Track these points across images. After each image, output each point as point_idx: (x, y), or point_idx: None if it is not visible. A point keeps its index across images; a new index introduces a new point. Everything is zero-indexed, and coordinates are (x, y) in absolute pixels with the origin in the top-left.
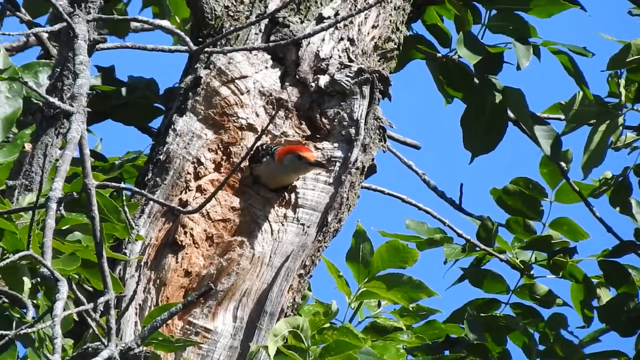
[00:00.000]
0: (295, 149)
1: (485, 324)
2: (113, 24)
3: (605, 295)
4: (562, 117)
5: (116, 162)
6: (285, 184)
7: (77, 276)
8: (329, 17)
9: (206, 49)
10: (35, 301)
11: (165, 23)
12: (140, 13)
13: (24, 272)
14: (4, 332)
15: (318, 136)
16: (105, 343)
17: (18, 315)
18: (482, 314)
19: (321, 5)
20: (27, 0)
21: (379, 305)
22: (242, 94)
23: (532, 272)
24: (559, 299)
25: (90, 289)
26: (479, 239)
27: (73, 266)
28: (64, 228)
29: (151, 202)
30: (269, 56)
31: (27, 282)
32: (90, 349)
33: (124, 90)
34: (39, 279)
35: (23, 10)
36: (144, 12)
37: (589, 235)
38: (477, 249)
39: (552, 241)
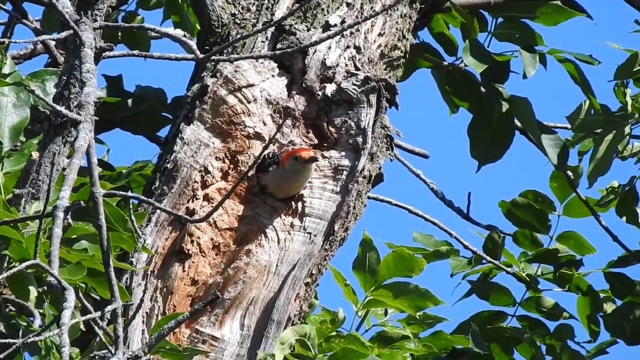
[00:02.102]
0: (293, 152)
1: (492, 336)
2: (131, 37)
3: (612, 309)
4: (570, 126)
5: (123, 171)
6: (292, 192)
7: (83, 285)
8: (335, 25)
9: (213, 57)
10: (41, 310)
11: (172, 31)
12: (161, 24)
13: (30, 280)
14: (11, 341)
15: (325, 145)
16: (113, 351)
17: (25, 324)
18: (488, 326)
19: (327, 13)
20: (45, 16)
21: (385, 313)
22: (249, 102)
23: (539, 285)
24: (565, 312)
25: (97, 297)
26: (486, 251)
27: (79, 275)
28: (70, 237)
29: (158, 211)
30: (276, 64)
31: (34, 291)
32: (97, 357)
33: (131, 102)
34: (45, 288)
35: (30, 17)
36: (164, 24)
37: (596, 250)
38: (484, 261)
39: (559, 254)
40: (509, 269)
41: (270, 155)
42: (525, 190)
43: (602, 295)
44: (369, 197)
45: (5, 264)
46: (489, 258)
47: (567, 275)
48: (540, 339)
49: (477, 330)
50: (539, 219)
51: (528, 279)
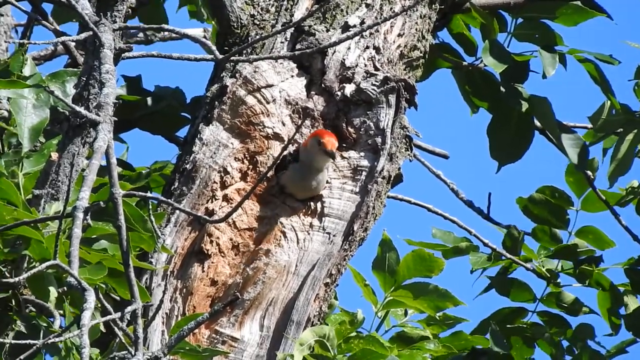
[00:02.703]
0: (319, 132)
1: (512, 334)
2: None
3: (633, 302)
4: (589, 125)
5: (143, 172)
6: (308, 187)
7: (103, 285)
8: (354, 26)
9: (232, 58)
10: (61, 311)
11: (191, 32)
12: (177, 11)
13: (51, 281)
14: (31, 342)
15: (344, 145)
16: (132, 352)
17: (45, 324)
18: (508, 325)
19: (347, 13)
20: (55, 10)
21: (405, 314)
22: (268, 102)
23: (558, 281)
24: (585, 307)
25: (117, 298)
26: (505, 248)
27: (100, 275)
28: (90, 237)
29: (177, 211)
30: (295, 65)
31: (54, 291)
32: (117, 358)
33: (150, 100)
34: (65, 288)
35: (50, 19)
36: (180, 12)
37: (615, 243)
38: (503, 257)
39: (578, 250)
40: (528, 265)
41: (289, 154)
42: (542, 186)
43: (622, 289)
44: (388, 196)
45: (25, 265)
46: (508, 254)
47: (587, 270)
48: (563, 336)
49: (497, 329)
50: (557, 214)
51: (548, 275)
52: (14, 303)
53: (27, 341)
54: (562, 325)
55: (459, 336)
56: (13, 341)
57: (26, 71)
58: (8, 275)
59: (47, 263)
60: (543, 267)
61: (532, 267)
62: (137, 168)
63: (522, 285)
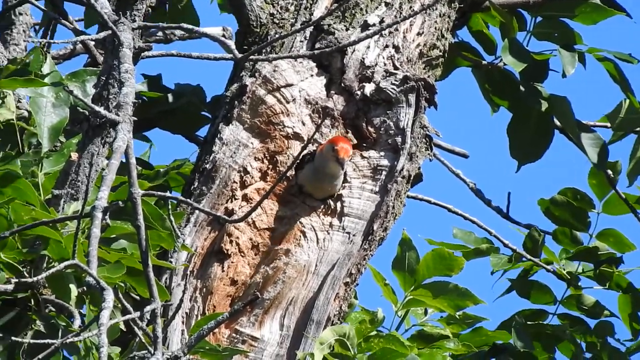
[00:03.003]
0: (335, 139)
1: (533, 334)
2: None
3: None
4: (609, 125)
5: (161, 170)
6: (325, 187)
7: (123, 284)
8: (374, 25)
9: (251, 57)
10: (81, 310)
11: (210, 31)
12: (211, 2)
13: (70, 280)
14: (50, 341)
15: (364, 145)
16: (152, 352)
17: (64, 324)
18: (529, 322)
19: (366, 12)
20: (87, 15)
21: (425, 313)
22: (287, 102)
23: (579, 283)
24: (606, 310)
25: (137, 297)
26: (526, 249)
27: (118, 274)
28: (109, 237)
29: (197, 211)
30: (314, 64)
31: (74, 290)
32: (136, 357)
33: (170, 97)
34: (84, 288)
35: (70, 18)
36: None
37: (636, 247)
38: (524, 259)
39: (599, 252)
40: (548, 267)
41: (308, 154)
42: (564, 187)
43: None
44: (408, 196)
45: (45, 265)
46: (528, 256)
47: (607, 273)
48: (581, 337)
49: (521, 321)
50: (578, 216)
51: (569, 277)
52: (33, 303)
53: (46, 340)
54: (583, 327)
55: (479, 332)
56: (32, 340)
57: (45, 69)
58: (27, 275)
59: (66, 263)
60: (564, 268)
61: (552, 269)
62: (157, 166)
63: (543, 288)
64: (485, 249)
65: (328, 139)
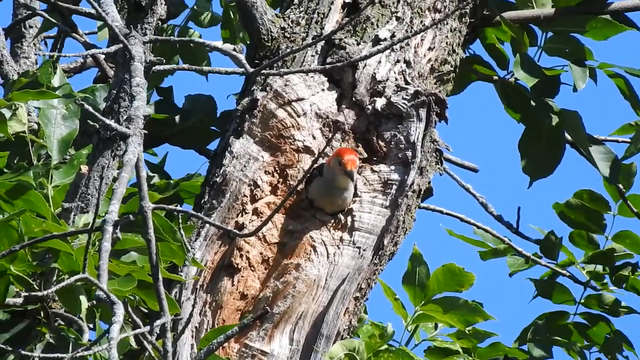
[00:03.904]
0: (341, 152)
1: (556, 336)
2: (188, 52)
3: None
4: (619, 139)
5: (172, 182)
6: (335, 201)
7: (133, 298)
8: (385, 39)
9: (263, 71)
10: (91, 324)
11: (222, 45)
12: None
13: (80, 292)
14: (60, 355)
15: (375, 159)
16: None
17: (73, 336)
18: (551, 327)
19: (377, 26)
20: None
21: (435, 327)
22: (298, 116)
23: (604, 281)
24: (626, 308)
25: (146, 310)
26: (543, 252)
27: (129, 287)
28: (120, 249)
29: (207, 225)
30: (326, 78)
31: (85, 302)
32: None
33: (179, 118)
34: (94, 302)
35: (80, 31)
36: (212, 32)
37: None
38: (541, 263)
39: (615, 254)
40: (564, 272)
41: (316, 169)
42: (580, 190)
43: None
44: (420, 207)
45: (54, 278)
46: (543, 262)
47: (623, 275)
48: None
49: (540, 329)
50: (594, 219)
51: (588, 278)
52: (42, 315)
53: (56, 355)
54: (605, 324)
55: (496, 347)
56: (42, 355)
57: (55, 82)
58: (37, 288)
59: (76, 277)
60: (584, 270)
61: (569, 272)
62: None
63: (563, 288)
64: (503, 249)
65: (333, 152)
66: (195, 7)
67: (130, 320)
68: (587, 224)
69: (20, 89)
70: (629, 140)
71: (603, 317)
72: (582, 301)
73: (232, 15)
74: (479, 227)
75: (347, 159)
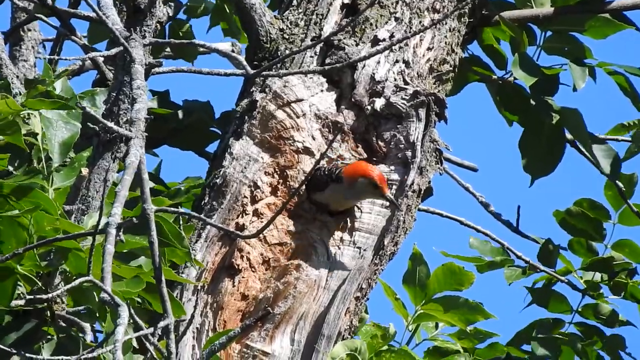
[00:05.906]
0: (366, 173)
1: (550, 344)
2: (180, 49)
3: None
4: (620, 138)
5: (182, 188)
6: (349, 206)
7: (139, 300)
8: (384, 40)
9: (262, 73)
10: (95, 324)
11: (221, 46)
12: (207, 31)
13: (91, 293)
14: (64, 357)
15: (374, 159)
16: None
17: (80, 334)
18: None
19: (376, 27)
20: (91, 31)
21: (436, 327)
22: (298, 117)
23: (600, 291)
24: (623, 319)
25: (151, 310)
26: (541, 260)
27: (137, 289)
28: (125, 251)
29: (208, 226)
30: (325, 79)
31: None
32: None
33: (180, 114)
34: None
35: (78, 34)
36: (212, 30)
37: None
38: (538, 270)
39: (614, 262)
40: (562, 278)
41: (323, 171)
42: (580, 198)
43: None
44: (420, 210)
45: (59, 279)
46: (542, 268)
47: (622, 283)
48: (593, 351)
49: (543, 330)
50: (594, 227)
51: (585, 286)
52: (49, 315)
53: (61, 357)
54: (599, 336)
55: (495, 347)
56: (47, 358)
57: (58, 85)
58: (44, 289)
59: (81, 279)
60: (582, 278)
61: (566, 280)
62: (169, 184)
63: (560, 297)
64: (500, 261)
65: (355, 167)
66: (189, 3)
67: (132, 322)
68: (588, 231)
69: (35, 97)
70: (629, 139)
71: (597, 329)
72: (580, 309)
73: (227, 10)
74: (478, 231)
75: (383, 184)
